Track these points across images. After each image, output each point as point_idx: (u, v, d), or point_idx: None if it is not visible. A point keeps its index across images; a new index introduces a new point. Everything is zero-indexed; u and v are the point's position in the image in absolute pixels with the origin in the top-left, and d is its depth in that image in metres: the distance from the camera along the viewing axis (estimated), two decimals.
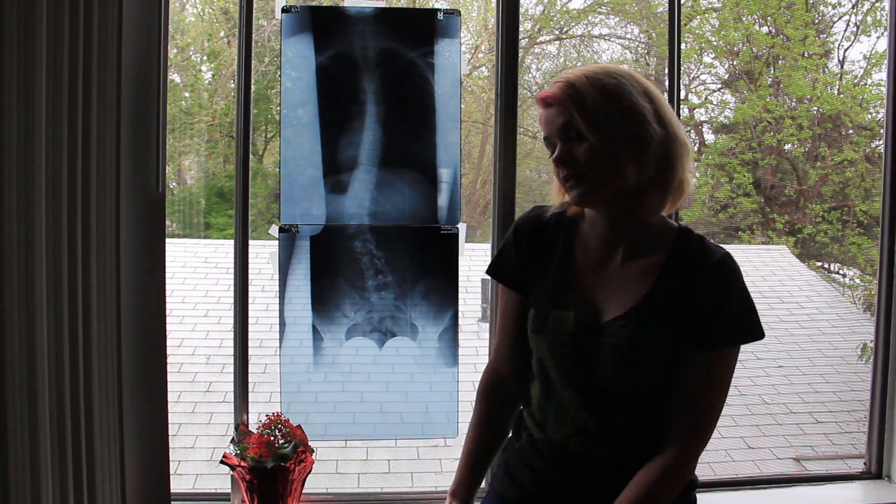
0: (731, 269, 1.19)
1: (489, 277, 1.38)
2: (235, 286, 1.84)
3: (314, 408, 1.87)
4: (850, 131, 8.35)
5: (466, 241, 1.86)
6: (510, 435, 1.36)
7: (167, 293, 1.74)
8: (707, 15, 8.79)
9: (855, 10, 8.62)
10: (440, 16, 1.84)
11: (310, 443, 1.77)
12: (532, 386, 1.31)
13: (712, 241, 1.24)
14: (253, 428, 1.80)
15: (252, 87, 1.82)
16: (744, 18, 8.57)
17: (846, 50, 8.71)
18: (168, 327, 1.76)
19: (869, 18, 8.53)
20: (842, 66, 8.68)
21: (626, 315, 1.19)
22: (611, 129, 1.16)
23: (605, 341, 1.19)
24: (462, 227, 1.86)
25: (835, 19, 8.76)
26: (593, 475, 1.23)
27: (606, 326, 1.20)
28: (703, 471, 1.17)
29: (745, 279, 1.19)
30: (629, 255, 1.23)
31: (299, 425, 1.78)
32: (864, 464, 2.09)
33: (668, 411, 1.20)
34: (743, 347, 1.19)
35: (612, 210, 1.22)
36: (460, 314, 1.91)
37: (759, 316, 1.19)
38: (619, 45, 9.04)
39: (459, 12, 1.87)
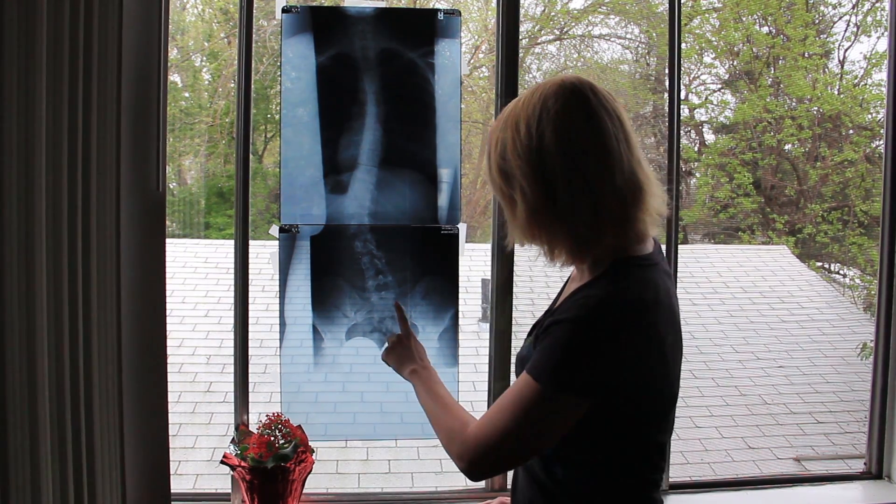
0: (580, 312, 1.08)
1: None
2: (236, 286, 1.84)
3: (314, 408, 1.87)
4: (850, 131, 8.36)
5: (466, 241, 1.86)
6: None
7: (167, 293, 1.74)
8: (707, 15, 8.80)
9: (855, 11, 8.64)
10: (440, 16, 1.84)
11: (310, 443, 1.77)
12: None
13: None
14: (253, 428, 1.80)
15: (252, 87, 1.82)
16: (744, 18, 8.58)
17: (846, 50, 8.73)
18: (168, 327, 1.76)
19: (869, 18, 8.55)
20: (842, 66, 8.69)
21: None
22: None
23: None
24: (462, 228, 1.86)
25: (835, 19, 8.77)
26: (518, 491, 1.25)
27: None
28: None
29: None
30: (576, 277, 1.21)
31: (299, 425, 1.78)
32: (865, 464, 2.09)
33: None
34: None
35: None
36: (460, 314, 1.91)
37: (565, 375, 1.06)
38: (619, 45, 9.06)
39: (459, 12, 1.87)
